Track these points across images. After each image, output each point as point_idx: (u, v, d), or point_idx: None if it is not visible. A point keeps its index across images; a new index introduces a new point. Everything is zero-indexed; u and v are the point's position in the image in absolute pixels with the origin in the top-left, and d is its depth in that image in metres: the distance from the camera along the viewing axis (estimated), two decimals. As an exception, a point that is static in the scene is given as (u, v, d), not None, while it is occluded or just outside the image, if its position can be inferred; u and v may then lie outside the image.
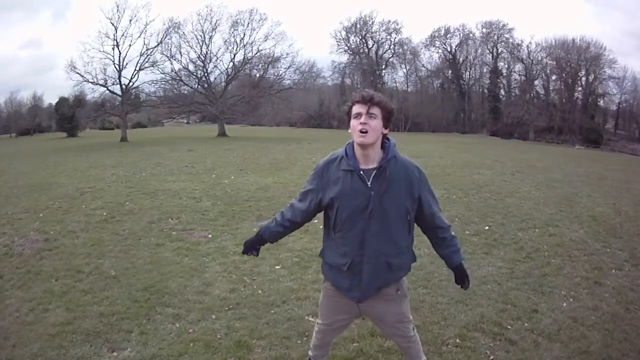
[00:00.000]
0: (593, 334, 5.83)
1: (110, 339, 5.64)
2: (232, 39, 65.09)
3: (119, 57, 55.13)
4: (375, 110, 3.70)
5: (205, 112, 69.13)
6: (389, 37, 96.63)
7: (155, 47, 58.07)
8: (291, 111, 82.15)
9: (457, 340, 5.65)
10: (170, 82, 63.07)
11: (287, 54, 66.61)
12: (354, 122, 3.72)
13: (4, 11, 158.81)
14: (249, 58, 66.21)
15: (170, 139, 49.25)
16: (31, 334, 5.74)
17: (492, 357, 5.32)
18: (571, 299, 6.96)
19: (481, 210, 12.86)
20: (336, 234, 3.91)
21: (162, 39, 58.65)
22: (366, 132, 3.64)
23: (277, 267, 8.16)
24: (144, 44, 59.74)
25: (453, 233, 4.15)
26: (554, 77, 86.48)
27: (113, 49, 54.80)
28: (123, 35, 55.33)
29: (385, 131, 3.80)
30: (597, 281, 7.71)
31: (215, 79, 66.85)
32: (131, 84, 57.51)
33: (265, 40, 65.60)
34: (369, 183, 3.72)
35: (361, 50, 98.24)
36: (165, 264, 8.34)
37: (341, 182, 3.78)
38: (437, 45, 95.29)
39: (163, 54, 60.16)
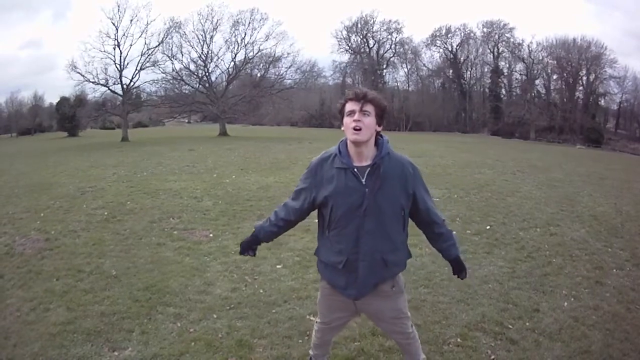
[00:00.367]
0: (594, 334, 5.82)
1: (111, 338, 5.64)
2: (233, 39, 65.14)
3: (120, 56, 55.22)
4: (369, 108, 3.69)
5: (207, 111, 69.12)
6: (389, 36, 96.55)
7: (156, 46, 58.15)
8: (292, 111, 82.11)
9: (459, 340, 5.64)
10: (171, 81, 63.11)
11: (288, 53, 66.59)
12: (347, 120, 3.72)
13: (4, 11, 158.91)
14: (250, 58, 66.22)
15: (171, 139, 49.26)
16: (32, 334, 5.74)
17: (493, 357, 5.31)
18: (572, 299, 6.95)
19: (482, 210, 12.84)
20: (331, 232, 3.90)
21: (163, 38, 58.73)
22: (360, 129, 3.64)
23: (278, 266, 8.16)
24: (145, 43, 59.64)
25: (448, 227, 4.16)
26: (555, 77, 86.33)
27: (114, 48, 54.87)
28: (124, 35, 55.42)
29: (379, 128, 3.79)
30: (598, 281, 7.70)
31: (216, 78, 66.86)
32: (132, 83, 57.58)
33: (266, 40, 65.61)
34: (363, 180, 3.71)
35: (362, 50, 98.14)
36: (166, 264, 8.34)
37: (335, 180, 3.77)
38: (438, 45, 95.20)
39: (164, 53, 60.23)
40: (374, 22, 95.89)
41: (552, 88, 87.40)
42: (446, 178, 18.53)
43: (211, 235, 10.20)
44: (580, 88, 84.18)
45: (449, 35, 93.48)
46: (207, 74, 64.19)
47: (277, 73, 68.97)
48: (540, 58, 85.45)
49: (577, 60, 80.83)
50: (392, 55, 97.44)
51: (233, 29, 64.99)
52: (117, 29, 54.66)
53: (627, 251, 9.45)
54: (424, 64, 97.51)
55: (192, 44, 62.98)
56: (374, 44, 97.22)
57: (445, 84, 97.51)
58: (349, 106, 3.72)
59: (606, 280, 7.75)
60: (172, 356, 5.25)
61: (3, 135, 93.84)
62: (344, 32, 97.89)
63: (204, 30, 62.97)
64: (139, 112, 79.58)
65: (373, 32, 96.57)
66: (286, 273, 7.85)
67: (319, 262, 4.15)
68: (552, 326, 6.00)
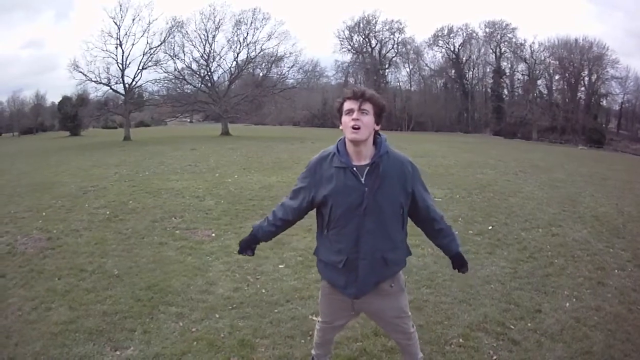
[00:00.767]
0: (595, 335, 5.82)
1: (113, 337, 5.64)
2: (236, 38, 65.03)
3: (122, 56, 55.35)
4: (367, 106, 3.67)
5: (209, 111, 69.15)
6: (392, 36, 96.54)
7: (158, 46, 58.21)
8: (294, 110, 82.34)
9: (461, 340, 5.64)
10: (173, 81, 63.14)
11: (291, 53, 66.37)
12: (345, 119, 3.70)
13: (5, 12, 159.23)
14: (252, 57, 66.10)
15: (173, 138, 49.29)
16: (34, 333, 5.74)
17: (495, 357, 5.31)
18: (574, 299, 6.94)
19: (484, 210, 12.83)
20: (330, 232, 3.89)
21: (165, 38, 58.76)
22: (359, 128, 3.62)
23: (280, 266, 8.16)
24: (147, 43, 60.02)
25: (447, 222, 4.15)
26: (557, 77, 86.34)
27: (116, 48, 54.98)
28: (126, 34, 55.48)
29: (377, 127, 3.77)
30: (600, 281, 7.69)
31: (218, 78, 66.74)
32: (134, 82, 57.73)
33: (269, 40, 65.41)
34: (362, 179, 3.70)
35: (364, 50, 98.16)
36: (168, 263, 8.34)
37: (334, 179, 3.75)
38: (440, 45, 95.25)
39: (166, 53, 60.33)
40: (376, 22, 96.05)
41: (554, 88, 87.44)
42: (448, 178, 18.53)
43: (213, 234, 10.20)
44: (582, 88, 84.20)
45: (451, 35, 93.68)
46: (209, 73, 64.23)
47: (279, 73, 68.92)
48: (542, 58, 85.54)
49: (579, 61, 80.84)
50: (394, 55, 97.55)
51: (235, 28, 64.98)
52: (119, 28, 54.82)
53: (628, 252, 9.44)
54: (426, 64, 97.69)
55: (194, 44, 63.00)
56: (376, 44, 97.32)
57: (447, 84, 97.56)
58: (347, 105, 3.70)
59: (608, 281, 7.74)
60: (174, 356, 5.24)
61: (5, 134, 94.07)
62: (346, 32, 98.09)
63: (206, 29, 63.05)
64: (141, 111, 79.74)
65: (375, 32, 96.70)
66: (288, 273, 7.85)
67: (319, 261, 4.14)
68: (554, 327, 6.00)
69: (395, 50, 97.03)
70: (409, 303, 4.28)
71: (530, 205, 13.73)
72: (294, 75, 67.82)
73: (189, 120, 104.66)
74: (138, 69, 56.99)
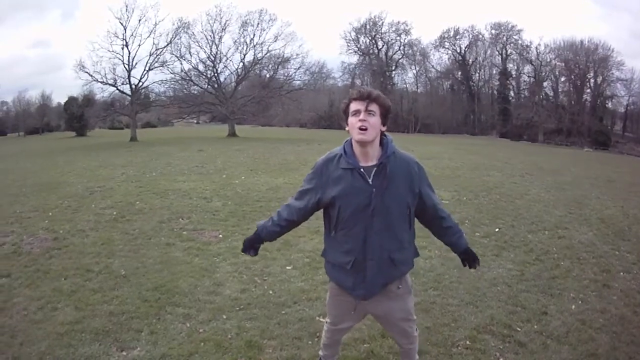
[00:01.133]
0: (601, 337, 5.83)
1: (119, 338, 5.63)
2: (242, 39, 65.03)
3: (129, 56, 55.28)
4: (374, 107, 3.67)
5: (215, 112, 69.18)
6: (398, 38, 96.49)
7: (164, 47, 58.14)
8: (301, 112, 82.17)
9: (467, 342, 5.64)
10: (180, 82, 63.18)
11: (297, 54, 66.42)
12: (352, 120, 3.70)
13: (12, 11, 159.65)
14: (258, 58, 66.15)
15: (180, 139, 49.32)
16: (39, 333, 5.74)
17: (501, 359, 5.31)
18: (580, 302, 6.96)
19: (491, 212, 12.82)
20: (338, 233, 3.89)
21: (171, 39, 58.71)
22: (366, 129, 3.62)
23: (288, 267, 8.14)
24: (154, 43, 59.86)
25: (454, 220, 4.19)
26: (562, 79, 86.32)
27: (122, 48, 54.92)
28: (132, 35, 55.46)
29: (383, 128, 3.77)
30: (606, 284, 7.70)
31: (225, 79, 66.79)
32: (141, 83, 57.61)
33: (275, 41, 65.31)
34: (370, 180, 3.70)
35: (371, 51, 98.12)
36: (175, 264, 8.33)
37: (342, 180, 3.75)
38: (446, 47, 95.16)
39: (172, 54, 60.23)
40: (382, 24, 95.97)
41: (560, 90, 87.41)
42: (455, 180, 18.51)
43: (221, 235, 10.19)
44: (588, 90, 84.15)
45: (457, 37, 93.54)
46: (215, 74, 64.23)
47: (286, 74, 68.93)
48: (548, 60, 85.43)
49: (585, 63, 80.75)
50: (400, 56, 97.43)
51: (242, 29, 65.00)
52: (125, 29, 54.78)
53: (633, 254, 9.45)
54: (433, 66, 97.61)
55: (200, 45, 63.01)
56: (383, 46, 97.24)
57: (454, 86, 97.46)
58: (354, 106, 3.70)
59: (613, 283, 7.76)
60: (181, 356, 5.23)
61: (11, 134, 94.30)
62: (353, 34, 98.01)
63: (212, 30, 63.05)
64: (148, 112, 79.79)
65: (382, 34, 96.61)
66: (296, 274, 7.84)
67: (327, 263, 4.15)
68: (560, 329, 6.01)
69: (402, 52, 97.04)
70: (415, 305, 4.29)
71: (536, 208, 13.72)
72: (300, 77, 67.94)
73: (195, 121, 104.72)
74: (144, 69, 57.05)
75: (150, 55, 56.87)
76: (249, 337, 5.67)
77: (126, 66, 55.21)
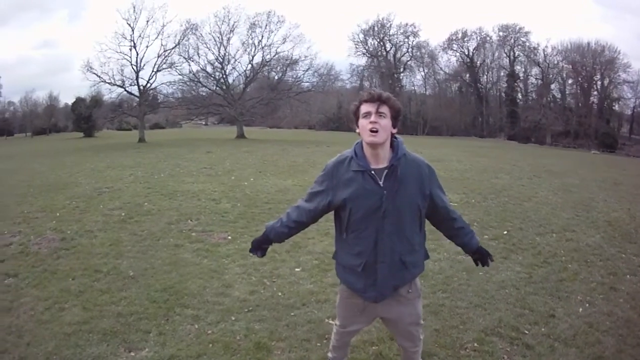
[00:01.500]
0: (607, 339, 5.84)
1: (127, 339, 5.62)
2: (250, 41, 65.46)
3: (137, 58, 55.67)
4: (385, 109, 3.65)
5: (224, 113, 69.53)
6: (406, 40, 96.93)
7: (172, 48, 58.52)
8: (310, 114, 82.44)
9: (475, 345, 5.65)
10: (188, 83, 63.67)
11: (306, 56, 66.78)
12: (363, 122, 3.67)
13: (17, 11, 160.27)
14: (267, 60, 66.49)
15: (188, 141, 49.50)
16: (46, 333, 5.73)
17: (508, 362, 5.31)
18: (587, 304, 6.96)
19: (500, 215, 12.82)
20: (349, 235, 3.86)
21: (179, 40, 59.13)
22: (377, 131, 3.59)
23: (297, 269, 8.13)
24: (162, 45, 60.27)
25: (465, 220, 4.21)
26: (570, 81, 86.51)
27: (130, 49, 55.31)
28: (140, 36, 55.91)
29: (394, 130, 3.74)
30: (612, 286, 7.72)
31: (233, 80, 67.19)
32: (149, 85, 58.02)
33: (284, 43, 65.80)
34: (381, 183, 3.67)
35: (379, 53, 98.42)
36: (184, 265, 8.33)
37: (353, 183, 3.73)
38: (454, 49, 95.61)
39: (181, 55, 60.66)
40: (390, 26, 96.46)
41: (567, 92, 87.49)
42: (464, 183, 18.49)
43: (229, 237, 10.18)
44: (595, 92, 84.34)
45: (465, 39, 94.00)
46: (224, 76, 64.55)
47: (294, 76, 69.23)
48: (556, 62, 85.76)
49: (592, 65, 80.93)
50: (409, 58, 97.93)
51: (250, 31, 65.44)
52: (132, 30, 55.18)
53: None
54: (441, 68, 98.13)
55: (208, 46, 63.40)
56: (391, 48, 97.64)
57: (462, 88, 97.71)
58: (365, 108, 3.68)
59: (620, 286, 7.77)
60: (190, 358, 5.22)
61: (18, 134, 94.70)
62: (361, 36, 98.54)
63: (220, 32, 63.47)
64: (156, 113, 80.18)
65: (390, 36, 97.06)
66: (305, 276, 7.82)
67: (337, 265, 4.11)
68: (567, 332, 6.03)
69: (410, 54, 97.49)
70: (424, 307, 4.31)
71: (544, 210, 13.71)
72: (309, 79, 68.32)
73: (204, 122, 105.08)
74: (152, 71, 57.44)
75: (158, 57, 57.33)
76: (258, 338, 5.66)
77: (134, 67, 55.66)
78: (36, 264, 8.31)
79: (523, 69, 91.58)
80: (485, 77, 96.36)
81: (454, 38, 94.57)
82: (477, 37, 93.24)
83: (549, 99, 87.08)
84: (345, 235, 3.89)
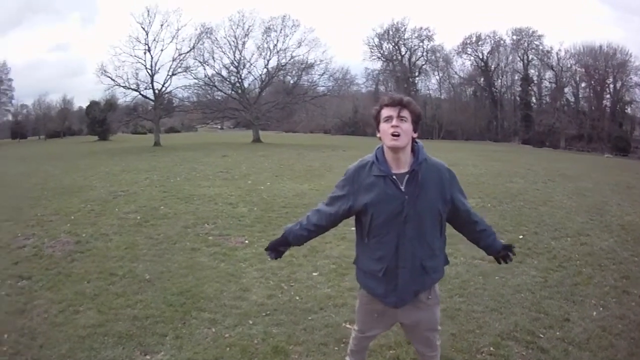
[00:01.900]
0: (620, 343, 5.88)
1: (143, 342, 5.63)
2: (265, 45, 65.48)
3: (151, 61, 56.12)
4: (406, 113, 3.64)
5: (239, 118, 69.75)
6: (421, 44, 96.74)
7: (187, 52, 58.89)
8: (325, 118, 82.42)
9: (491, 349, 5.69)
10: (203, 87, 63.77)
11: (321, 60, 66.57)
12: (384, 126, 3.66)
13: (32, 15, 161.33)
14: (282, 64, 66.47)
15: (204, 145, 49.69)
16: (60, 335, 5.75)
17: (523, 366, 5.31)
18: (601, 308, 7.00)
19: (515, 219, 12.82)
20: (371, 240, 3.82)
21: (194, 44, 59.48)
22: (398, 135, 3.58)
23: (314, 273, 8.13)
24: (176, 49, 60.64)
25: (486, 222, 4.19)
26: (583, 85, 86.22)
27: (145, 53, 55.81)
28: (154, 40, 56.44)
29: (415, 135, 3.72)
30: (625, 290, 7.75)
31: (249, 85, 67.16)
32: (164, 88, 58.40)
33: (299, 47, 65.71)
34: (402, 188, 3.65)
35: (394, 57, 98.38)
36: (201, 269, 8.32)
37: (375, 187, 3.70)
38: (469, 53, 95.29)
39: (196, 59, 60.85)
40: (405, 30, 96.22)
41: (580, 96, 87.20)
42: (479, 187, 18.56)
43: (247, 241, 10.18)
44: (607, 96, 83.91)
45: (479, 43, 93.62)
46: (239, 80, 64.66)
47: (310, 80, 69.18)
48: (569, 65, 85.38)
49: (604, 68, 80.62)
50: (424, 62, 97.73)
51: (265, 35, 65.50)
52: (147, 34, 55.69)
53: (652, 260, 9.48)
54: (456, 72, 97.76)
55: (223, 50, 63.53)
56: (406, 52, 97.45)
57: (476, 92, 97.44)
58: (386, 112, 3.66)
59: (632, 289, 7.79)
60: (206, 361, 5.18)
61: (31, 137, 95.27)
62: (376, 40, 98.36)
63: (235, 36, 63.59)
64: (171, 117, 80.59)
65: (404, 40, 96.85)
66: (322, 280, 7.82)
67: (358, 270, 4.08)
68: (581, 335, 6.05)
69: (425, 58, 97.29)
70: (441, 312, 4.35)
71: (559, 214, 13.69)
72: (324, 83, 68.06)
73: (219, 127, 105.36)
74: (167, 74, 57.85)
75: (173, 61, 57.77)
76: (275, 342, 5.65)
77: (149, 71, 56.10)
78: (50, 266, 8.35)
79: (537, 73, 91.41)
80: (499, 81, 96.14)
81: (468, 42, 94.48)
82: (491, 41, 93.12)
83: (562, 102, 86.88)
84: (366, 240, 3.85)
